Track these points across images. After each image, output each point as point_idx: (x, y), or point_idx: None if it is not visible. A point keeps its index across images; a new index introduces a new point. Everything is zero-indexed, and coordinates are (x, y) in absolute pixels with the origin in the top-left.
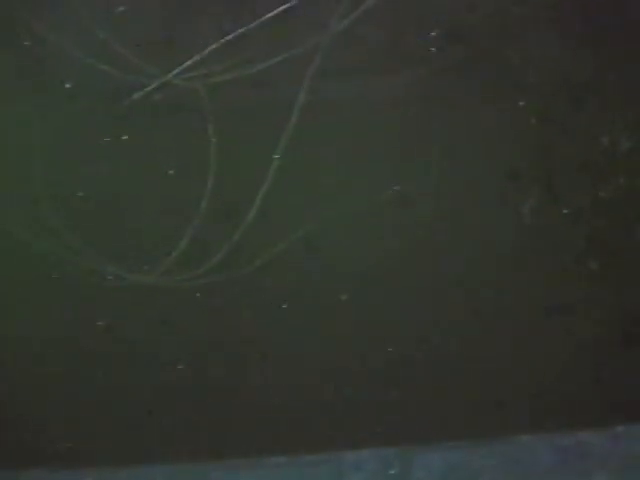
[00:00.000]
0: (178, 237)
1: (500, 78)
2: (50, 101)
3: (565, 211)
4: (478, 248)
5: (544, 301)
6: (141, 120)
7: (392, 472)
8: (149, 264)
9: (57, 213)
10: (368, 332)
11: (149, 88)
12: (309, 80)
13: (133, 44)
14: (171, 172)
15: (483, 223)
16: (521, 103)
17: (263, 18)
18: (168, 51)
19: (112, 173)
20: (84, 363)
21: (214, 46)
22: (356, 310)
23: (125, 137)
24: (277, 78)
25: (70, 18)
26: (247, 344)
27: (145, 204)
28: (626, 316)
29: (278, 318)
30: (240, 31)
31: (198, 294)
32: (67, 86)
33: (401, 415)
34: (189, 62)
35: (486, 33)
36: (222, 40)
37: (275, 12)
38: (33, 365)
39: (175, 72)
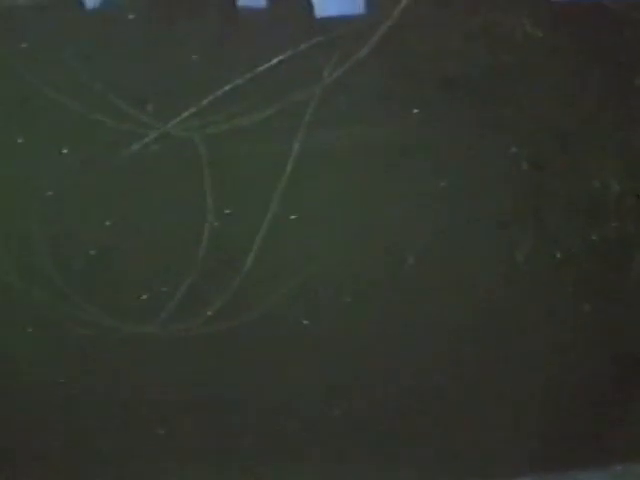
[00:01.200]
0: (176, 287)
1: (491, 126)
2: (47, 154)
3: (558, 255)
4: (472, 294)
5: (541, 343)
6: (139, 171)
7: None
8: (148, 315)
9: (56, 266)
10: (369, 381)
11: (147, 139)
12: (304, 130)
13: (130, 96)
14: (169, 221)
15: (477, 269)
16: (513, 150)
17: (258, 70)
18: (166, 102)
19: (110, 224)
20: (85, 416)
21: (211, 97)
22: (357, 358)
23: (123, 187)
24: (273, 128)
25: (66, 70)
26: (247, 393)
27: (143, 254)
28: (621, 357)
29: (279, 366)
30: (236, 82)
31: (197, 343)
32: (64, 138)
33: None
34: (186, 113)
35: (477, 82)
36: (219, 91)
37: (269, 64)
38: (32, 413)
39: (172, 123)
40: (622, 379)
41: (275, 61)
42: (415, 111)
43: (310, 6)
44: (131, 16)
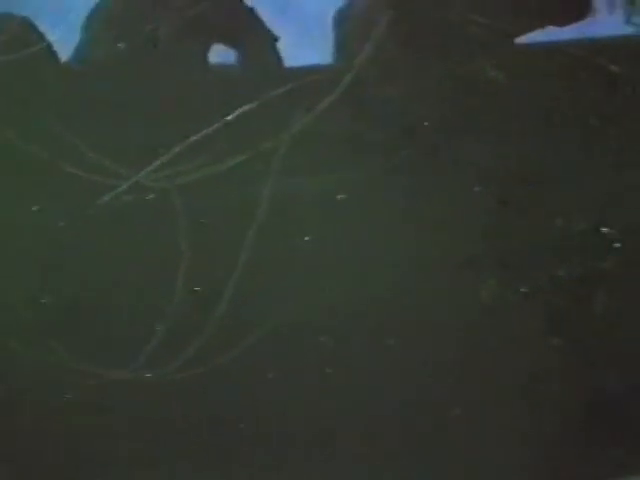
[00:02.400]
0: (152, 332)
1: (456, 166)
2: (19, 207)
3: (524, 291)
4: (441, 331)
5: (510, 378)
6: (112, 221)
7: None
8: (125, 361)
9: (31, 315)
10: (343, 428)
11: (119, 189)
12: (273, 177)
13: (101, 147)
14: (143, 269)
15: (444, 306)
16: (477, 189)
17: (226, 119)
18: (137, 153)
19: (85, 274)
20: (58, 463)
21: (181, 147)
22: (335, 400)
23: (96, 238)
24: (243, 176)
25: (37, 123)
26: (226, 435)
27: (118, 302)
28: (591, 390)
29: (256, 409)
30: (206, 132)
31: (175, 387)
32: (35, 191)
33: None
34: (157, 162)
35: (442, 125)
36: (189, 141)
37: (238, 113)
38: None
39: (144, 173)
40: (592, 409)
41: (243, 110)
42: (382, 156)
43: (278, 57)
44: (102, 69)
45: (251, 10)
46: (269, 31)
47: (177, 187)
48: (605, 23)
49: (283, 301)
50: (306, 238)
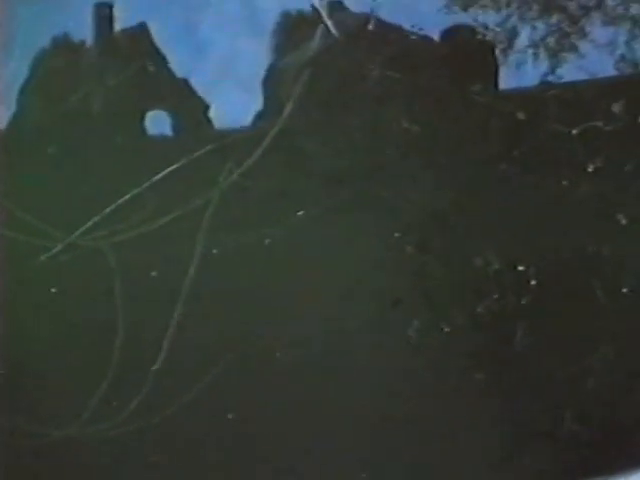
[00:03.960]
0: (94, 390)
1: (376, 214)
2: None
3: (447, 329)
4: (368, 373)
5: (433, 413)
6: (48, 282)
7: None
8: (69, 418)
9: None
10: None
11: (54, 250)
12: (204, 233)
13: (36, 209)
14: (81, 329)
15: (372, 347)
16: (396, 234)
17: (156, 178)
18: (72, 213)
19: (25, 334)
20: None
21: (113, 206)
22: (285, 448)
23: (34, 298)
24: (175, 233)
25: None
26: None
27: (59, 361)
28: (516, 425)
29: (204, 463)
30: (137, 191)
31: (118, 442)
32: None
33: None
34: (90, 223)
35: (362, 176)
36: (121, 200)
37: (167, 171)
38: None
39: (78, 233)
40: (514, 443)
41: (173, 169)
42: (307, 208)
43: (210, 122)
44: (36, 135)
45: (185, 81)
46: (201, 99)
47: (111, 245)
48: (514, 76)
49: (220, 350)
50: (238, 289)
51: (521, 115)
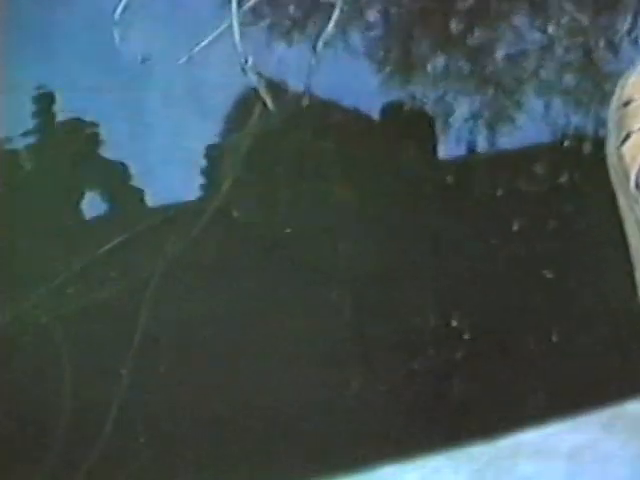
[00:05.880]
0: (45, 457)
1: (314, 278)
2: None
3: (384, 388)
4: (309, 428)
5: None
6: None
7: None
8: None
9: None
10: None
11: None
12: (148, 305)
13: None
14: (29, 402)
15: (311, 405)
16: (335, 293)
17: (100, 251)
18: (15, 289)
19: None
20: None
21: (60, 279)
22: None
23: None
24: (119, 306)
25: None
26: None
27: (4, 436)
28: None
29: None
30: (81, 264)
31: None
32: None
33: None
34: (35, 296)
35: (301, 241)
36: (65, 274)
37: (110, 245)
38: None
39: (25, 306)
40: None
41: (117, 243)
42: (246, 278)
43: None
44: None
45: (122, 164)
46: (137, 189)
47: (59, 319)
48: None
49: (169, 415)
50: (184, 359)
51: (450, 180)
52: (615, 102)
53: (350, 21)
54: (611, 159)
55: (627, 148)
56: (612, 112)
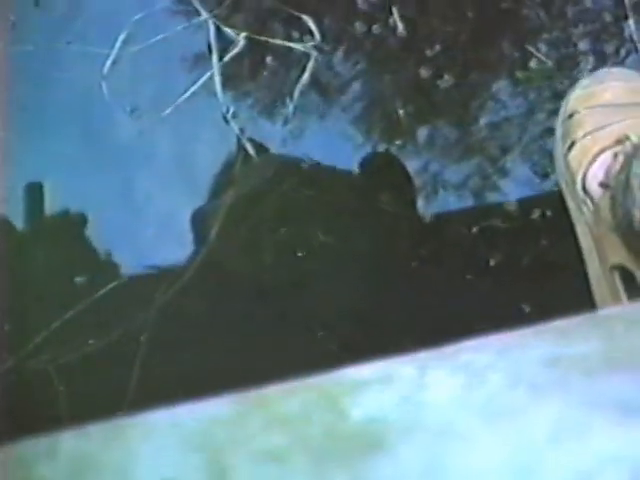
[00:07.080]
0: None
1: (300, 317)
2: None
3: None
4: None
5: None
6: None
7: None
8: None
9: None
10: None
11: (1, 370)
12: (142, 353)
13: None
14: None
15: None
16: (320, 334)
17: (93, 298)
18: (15, 337)
19: None
20: None
21: (54, 328)
22: None
23: None
24: (115, 354)
25: None
26: None
27: None
28: None
29: None
30: (73, 313)
31: None
32: None
33: None
34: (31, 345)
35: (286, 286)
36: (57, 322)
37: (103, 291)
38: None
39: (22, 354)
40: None
41: (108, 289)
42: (239, 321)
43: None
44: None
45: (107, 252)
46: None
47: (55, 368)
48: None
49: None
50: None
51: (425, 213)
52: (561, 116)
53: (324, 73)
54: (559, 166)
55: (573, 155)
56: (558, 125)
